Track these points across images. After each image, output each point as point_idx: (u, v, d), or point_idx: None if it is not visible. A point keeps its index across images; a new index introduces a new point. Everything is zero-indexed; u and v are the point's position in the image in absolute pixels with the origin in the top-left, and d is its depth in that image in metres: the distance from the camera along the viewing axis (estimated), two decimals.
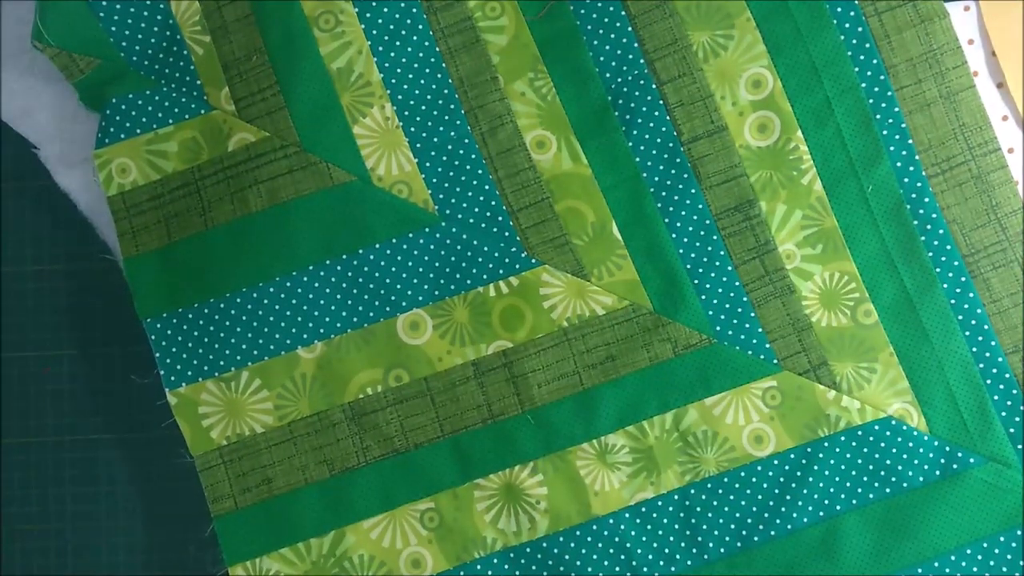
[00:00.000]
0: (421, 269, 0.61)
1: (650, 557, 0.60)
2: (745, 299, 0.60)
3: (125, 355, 0.64)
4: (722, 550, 0.60)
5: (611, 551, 0.61)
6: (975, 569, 0.59)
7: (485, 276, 0.61)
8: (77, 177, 0.64)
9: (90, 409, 0.65)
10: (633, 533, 0.60)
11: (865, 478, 0.59)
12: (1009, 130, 0.60)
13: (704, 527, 0.60)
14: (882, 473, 0.59)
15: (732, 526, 0.60)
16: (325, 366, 0.61)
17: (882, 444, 0.59)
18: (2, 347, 0.66)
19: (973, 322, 0.59)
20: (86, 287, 0.65)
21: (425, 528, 0.61)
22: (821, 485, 0.60)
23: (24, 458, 0.66)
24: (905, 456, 0.59)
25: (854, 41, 0.59)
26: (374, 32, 0.61)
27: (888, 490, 0.59)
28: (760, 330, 0.60)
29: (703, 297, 0.60)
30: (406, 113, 0.61)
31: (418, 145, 0.61)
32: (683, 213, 0.60)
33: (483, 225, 0.61)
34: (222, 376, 0.62)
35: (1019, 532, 0.59)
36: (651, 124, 0.60)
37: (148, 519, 0.65)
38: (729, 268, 0.60)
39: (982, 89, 0.60)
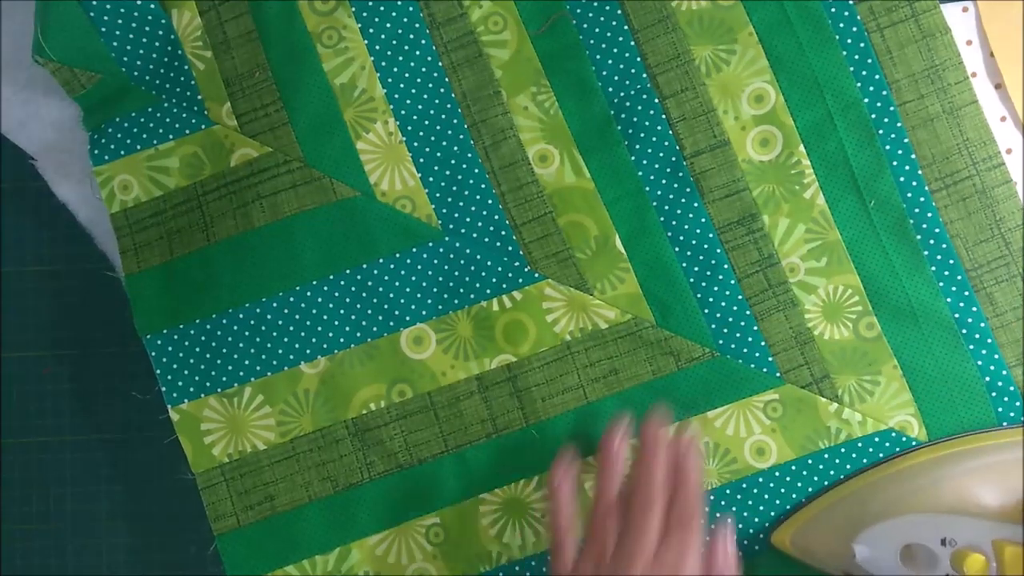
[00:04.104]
0: (424, 283, 0.61)
1: None
2: (748, 312, 0.60)
3: (125, 355, 0.64)
4: None
5: None
6: None
7: (488, 290, 0.61)
8: (75, 189, 0.64)
9: (90, 409, 0.65)
10: None
11: None
12: (1007, 131, 0.60)
13: (706, 538, 0.60)
14: None
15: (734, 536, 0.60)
16: (328, 381, 0.61)
17: (882, 456, 0.59)
18: (2, 347, 0.65)
19: (977, 336, 0.59)
20: (86, 287, 0.65)
21: (430, 544, 0.61)
22: None
23: (24, 458, 0.65)
24: None
25: (856, 56, 0.59)
26: (377, 48, 0.61)
27: None
28: (763, 343, 0.60)
29: (706, 311, 0.60)
30: (409, 128, 0.61)
31: (421, 160, 0.61)
32: (686, 227, 0.60)
33: (486, 239, 0.61)
34: (224, 392, 0.61)
35: None
36: (653, 138, 0.60)
37: (148, 519, 0.65)
38: (732, 282, 0.60)
39: (980, 90, 0.60)
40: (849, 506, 0.57)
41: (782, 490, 0.60)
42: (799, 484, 0.60)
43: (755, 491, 0.60)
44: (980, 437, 0.57)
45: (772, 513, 0.60)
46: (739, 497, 0.60)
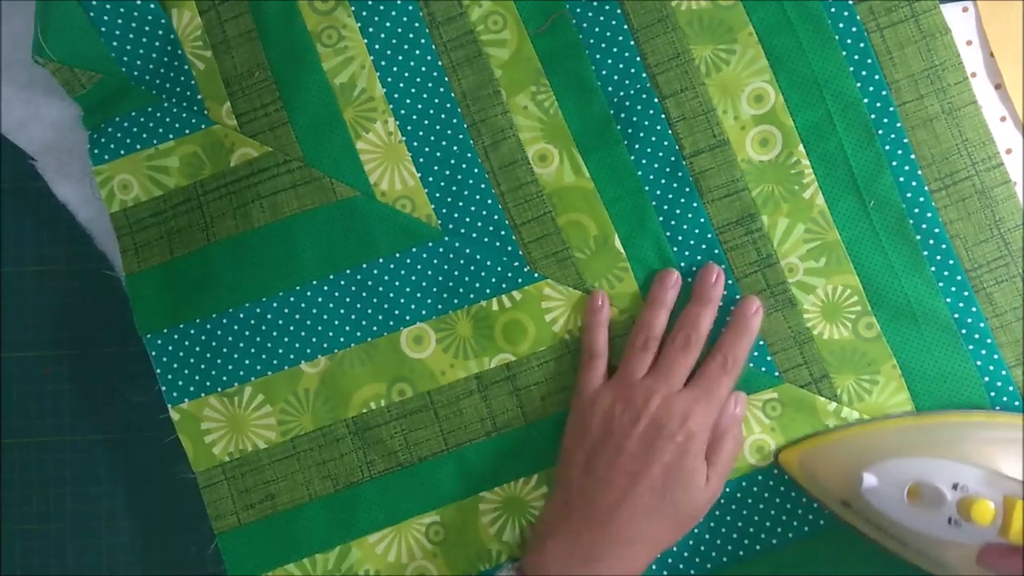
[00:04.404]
0: (424, 283, 0.61)
1: (653, 567, 0.61)
2: None
3: (125, 355, 0.64)
4: (724, 559, 0.60)
5: None
6: None
7: (488, 290, 0.61)
8: (75, 189, 0.64)
9: (90, 409, 0.65)
10: None
11: None
12: (1007, 131, 0.60)
13: (706, 537, 0.60)
14: None
15: (734, 535, 0.60)
16: (328, 381, 0.61)
17: None
18: (2, 347, 0.65)
19: (976, 336, 0.59)
20: (86, 287, 0.65)
21: (430, 542, 0.61)
22: None
23: (24, 458, 0.65)
24: None
25: (856, 56, 0.59)
26: (376, 47, 0.61)
27: None
28: (761, 342, 0.60)
29: None
30: (409, 128, 0.61)
31: (421, 160, 0.61)
32: (685, 226, 0.60)
33: (486, 239, 0.61)
34: (225, 391, 0.62)
35: None
36: (653, 138, 0.60)
37: (148, 519, 0.65)
38: (730, 282, 0.60)
39: (980, 90, 0.60)
40: (866, 439, 0.58)
41: (782, 488, 0.60)
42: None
43: (755, 489, 0.60)
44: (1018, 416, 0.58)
45: (772, 512, 0.60)
46: (739, 495, 0.60)
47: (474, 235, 0.61)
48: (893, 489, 0.54)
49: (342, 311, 0.61)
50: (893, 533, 0.56)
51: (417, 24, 0.61)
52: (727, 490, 0.60)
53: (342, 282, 0.61)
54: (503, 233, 0.61)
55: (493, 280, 0.61)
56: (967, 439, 0.55)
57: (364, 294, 0.61)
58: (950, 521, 0.53)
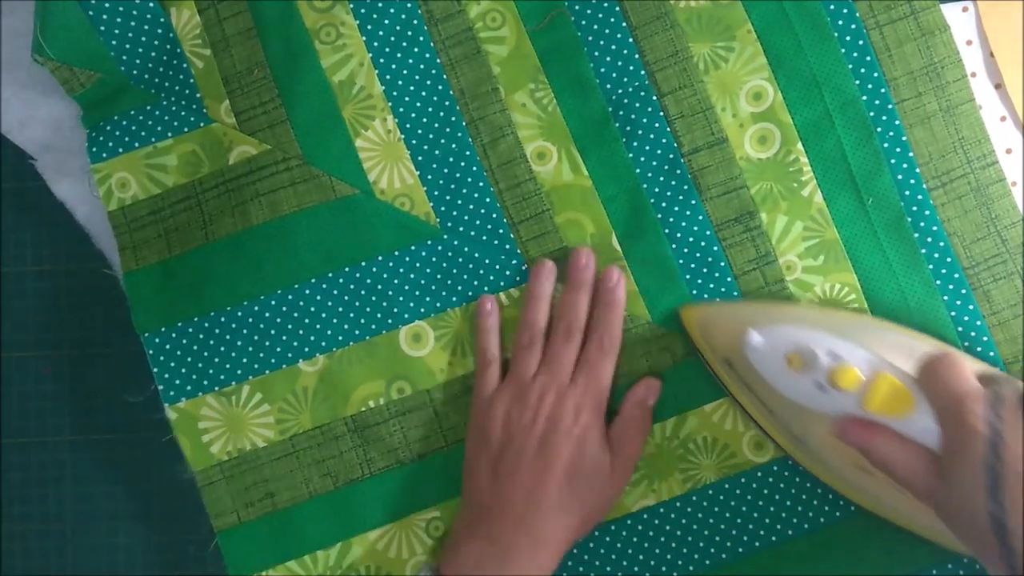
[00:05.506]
0: (423, 281, 0.61)
1: (652, 564, 0.61)
2: None
3: (125, 354, 0.64)
4: (723, 556, 0.60)
5: (613, 558, 0.61)
6: None
7: (486, 288, 0.61)
8: (73, 188, 0.64)
9: (90, 409, 0.65)
10: (635, 540, 0.61)
11: None
12: (1007, 131, 0.60)
13: (706, 534, 0.60)
14: None
15: (733, 532, 0.60)
16: (327, 379, 0.61)
17: None
18: (2, 347, 0.65)
19: (973, 334, 0.59)
20: (86, 287, 0.65)
21: (431, 537, 0.61)
22: (819, 491, 0.60)
23: (24, 458, 0.66)
24: None
25: (855, 54, 0.59)
26: (375, 44, 0.61)
27: None
28: None
29: None
30: (408, 125, 0.61)
31: (420, 157, 0.61)
32: (683, 224, 0.61)
33: (484, 237, 0.61)
34: (222, 390, 0.62)
35: None
36: (651, 135, 0.61)
37: (148, 519, 0.65)
38: (729, 279, 0.60)
39: (980, 90, 0.60)
40: (769, 307, 0.58)
41: (781, 485, 0.60)
42: (797, 479, 0.60)
43: (754, 485, 0.60)
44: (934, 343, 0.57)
45: (772, 508, 0.60)
46: (738, 492, 0.60)
47: (472, 233, 0.61)
48: (774, 352, 0.54)
49: (341, 309, 0.61)
50: (764, 398, 0.56)
51: (415, 21, 0.61)
52: (726, 487, 0.60)
53: (341, 280, 0.61)
54: (501, 231, 0.61)
55: (491, 278, 0.61)
56: (869, 335, 0.55)
57: (363, 292, 0.61)
58: (818, 387, 0.53)
